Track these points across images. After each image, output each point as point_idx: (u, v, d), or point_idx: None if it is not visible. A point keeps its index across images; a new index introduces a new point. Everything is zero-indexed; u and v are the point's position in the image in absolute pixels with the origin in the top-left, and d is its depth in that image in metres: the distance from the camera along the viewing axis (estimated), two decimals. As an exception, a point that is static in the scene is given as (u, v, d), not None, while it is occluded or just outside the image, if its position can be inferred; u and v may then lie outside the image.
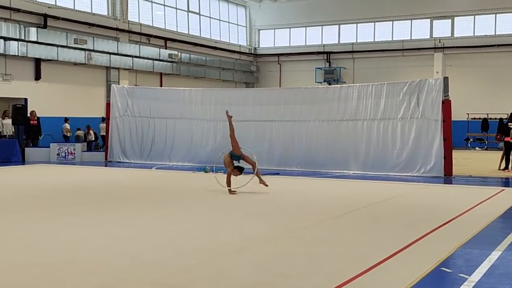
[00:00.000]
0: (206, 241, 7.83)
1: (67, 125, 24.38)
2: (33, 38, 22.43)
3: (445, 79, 17.25)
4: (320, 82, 34.21)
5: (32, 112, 22.58)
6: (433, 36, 33.29)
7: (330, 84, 31.86)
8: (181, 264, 6.56)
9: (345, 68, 35.10)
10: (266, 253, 7.16)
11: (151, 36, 28.96)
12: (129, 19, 27.73)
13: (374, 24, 34.84)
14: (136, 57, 27.58)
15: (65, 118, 24.27)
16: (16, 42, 21.87)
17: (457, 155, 18.31)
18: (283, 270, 6.35)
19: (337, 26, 35.83)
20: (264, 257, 6.97)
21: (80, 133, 24.74)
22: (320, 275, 6.12)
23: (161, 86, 28.95)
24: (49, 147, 22.13)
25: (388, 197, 12.50)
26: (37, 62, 23.42)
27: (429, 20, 33.54)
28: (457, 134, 20.40)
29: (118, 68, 26.99)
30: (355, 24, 35.31)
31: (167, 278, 5.99)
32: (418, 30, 33.73)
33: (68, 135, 24.43)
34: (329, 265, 6.57)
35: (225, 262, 6.72)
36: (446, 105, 16.92)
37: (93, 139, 24.81)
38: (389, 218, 9.83)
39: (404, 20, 34.02)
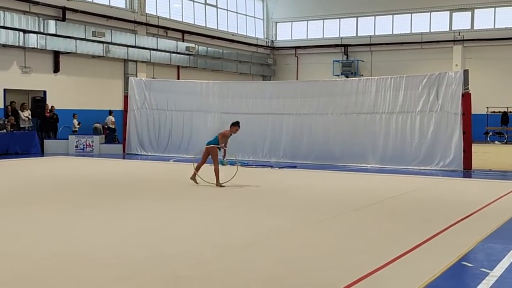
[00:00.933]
0: (223, 234, 7.82)
1: (112, 118, 24.62)
2: (52, 31, 22.55)
3: (465, 72, 17.03)
4: (338, 75, 34.01)
5: (46, 105, 22.76)
6: (453, 28, 32.90)
7: (347, 77, 31.64)
8: (198, 256, 6.54)
9: (362, 61, 34.86)
10: (283, 247, 7.13)
11: (168, 28, 28.99)
12: (146, 11, 27.76)
13: (393, 17, 34.52)
14: (153, 49, 27.62)
15: (110, 110, 24.40)
16: (35, 35, 22.01)
17: (476, 149, 18.10)
18: (300, 263, 6.32)
19: (355, 18, 35.56)
20: (281, 250, 6.93)
21: (98, 125, 24.85)
22: (339, 268, 6.08)
23: (178, 79, 28.98)
24: (67, 139, 22.29)
25: (407, 190, 12.39)
26: (56, 54, 23.55)
27: (448, 12, 33.15)
28: (476, 128, 20.18)
29: (135, 61, 27.06)
30: (373, 17, 35.02)
31: (184, 270, 5.98)
32: (437, 22, 33.36)
33: (113, 127, 24.66)
34: (347, 258, 6.51)
35: (242, 255, 6.70)
36: (466, 98, 16.72)
37: (113, 127, 24.89)
38: (407, 212, 9.74)
39: (423, 13, 33.66)
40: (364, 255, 6.65)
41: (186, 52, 29.53)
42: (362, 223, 8.71)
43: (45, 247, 6.88)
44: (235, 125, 12.92)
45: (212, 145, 12.71)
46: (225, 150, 12.96)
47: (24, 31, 21.69)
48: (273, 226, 8.36)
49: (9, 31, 21.10)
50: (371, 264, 6.10)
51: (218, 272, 5.94)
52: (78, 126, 24.10)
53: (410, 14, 34.03)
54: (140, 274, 5.80)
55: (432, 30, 33.39)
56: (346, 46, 35.26)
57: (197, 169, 12.83)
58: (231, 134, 12.96)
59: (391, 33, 34.52)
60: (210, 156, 12.77)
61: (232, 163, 17.97)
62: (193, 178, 12.79)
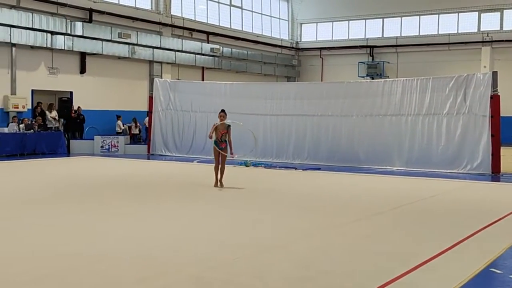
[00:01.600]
0: (248, 235, 7.78)
1: (119, 122, 24.81)
2: (79, 32, 22.77)
3: (494, 74, 16.73)
4: (363, 77, 33.73)
5: (72, 106, 23.01)
6: (481, 29, 32.37)
7: (373, 79, 31.36)
8: (223, 258, 6.51)
9: (388, 63, 34.52)
10: (309, 249, 7.06)
11: (193, 30, 29.07)
12: (172, 13, 27.88)
13: (419, 17, 34.12)
14: (178, 51, 27.71)
15: (117, 115, 24.54)
16: (62, 36, 22.24)
17: (505, 152, 17.76)
18: (326, 266, 6.25)
19: (381, 19, 35.23)
20: (307, 252, 6.87)
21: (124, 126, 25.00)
22: (364, 273, 5.98)
23: (202, 80, 29.04)
24: (93, 139, 22.50)
25: (434, 194, 12.21)
26: (82, 56, 23.77)
27: (477, 13, 32.63)
28: (505, 131, 19.79)
29: (161, 62, 27.18)
30: (400, 18, 34.65)
31: (209, 271, 5.96)
32: (465, 23, 32.86)
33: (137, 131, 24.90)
34: (373, 262, 6.41)
35: (267, 256, 6.65)
36: (495, 100, 16.43)
37: (138, 132, 25.02)
38: (434, 216, 9.58)
39: (451, 13, 33.19)
40: (390, 259, 6.55)
41: (211, 53, 29.58)
42: (388, 226, 8.60)
43: (70, 245, 6.90)
44: (220, 112, 12.61)
45: (214, 147, 12.61)
46: (226, 143, 12.56)
47: (52, 33, 21.93)
48: (298, 228, 8.30)
49: (37, 32, 21.36)
50: (398, 269, 6.00)
51: (243, 274, 5.90)
52: (123, 127, 24.26)
53: (437, 15, 33.60)
54: (164, 275, 5.78)
55: (460, 31, 32.90)
56: (371, 47, 34.96)
57: (217, 173, 12.58)
58: (217, 123, 12.50)
59: (417, 34, 34.12)
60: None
61: (256, 165, 17.98)
62: (216, 185, 12.59)
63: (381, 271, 5.96)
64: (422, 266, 6.18)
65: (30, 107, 21.79)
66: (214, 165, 12.65)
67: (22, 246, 6.91)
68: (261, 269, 6.10)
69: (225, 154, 12.39)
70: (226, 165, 12.79)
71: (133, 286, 5.42)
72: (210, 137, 12.52)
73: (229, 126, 12.52)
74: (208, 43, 29.79)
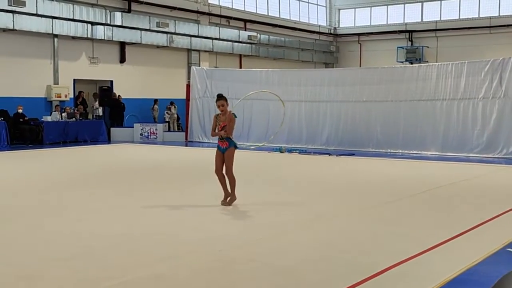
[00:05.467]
0: (272, 216, 8.04)
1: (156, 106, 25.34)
2: (118, 22, 23.33)
3: (531, 57, 16.49)
4: (402, 62, 33.40)
5: (114, 94, 23.66)
6: (524, 11, 31.60)
7: (412, 64, 31.05)
8: (246, 238, 6.80)
9: (428, 47, 34.06)
10: (330, 230, 7.29)
11: (230, 18, 29.32)
12: (209, 1, 28.18)
13: (460, 1, 33.49)
14: (216, 39, 28.04)
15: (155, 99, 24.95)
16: (102, 27, 22.84)
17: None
18: (345, 246, 6.47)
19: (420, 3, 34.74)
20: (328, 234, 7.10)
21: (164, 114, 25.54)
22: (382, 252, 6.18)
23: (240, 67, 29.31)
24: (133, 127, 23.10)
25: (465, 178, 12.22)
26: (122, 45, 24.36)
27: (519, -5, 31.85)
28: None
29: (198, 50, 27.58)
30: (439, 1, 34.09)
31: (231, 251, 6.25)
32: (507, 6, 32.09)
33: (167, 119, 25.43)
34: (392, 243, 6.60)
35: (289, 237, 6.91)
36: (531, 84, 16.20)
37: (175, 116, 25.46)
38: (463, 199, 9.67)
39: (493, -4, 32.49)
40: (409, 240, 6.72)
41: (248, 41, 29.80)
42: (414, 210, 8.73)
43: (105, 226, 7.32)
44: (218, 99, 8.91)
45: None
46: (228, 141, 8.80)
47: (92, 23, 22.55)
48: (322, 211, 8.52)
49: (78, 23, 22.00)
50: (414, 249, 6.17)
51: (264, 253, 6.17)
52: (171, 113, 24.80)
53: (478, -2, 32.94)
54: (189, 254, 6.11)
55: (501, 14, 32.17)
56: (410, 32, 34.53)
57: (224, 182, 8.99)
58: (218, 114, 8.95)
59: (457, 17, 33.51)
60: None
61: (291, 151, 18.21)
62: (225, 200, 8.99)
63: (398, 251, 6.14)
64: (439, 247, 6.33)
65: (72, 96, 22.51)
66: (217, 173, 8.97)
67: (60, 226, 7.36)
68: (283, 249, 6.36)
69: (231, 155, 8.80)
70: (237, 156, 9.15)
71: (158, 264, 5.76)
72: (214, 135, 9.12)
73: (233, 114, 8.91)
74: (245, 30, 30.02)
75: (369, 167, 14.59)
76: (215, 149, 8.93)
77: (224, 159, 8.78)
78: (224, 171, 8.83)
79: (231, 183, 8.84)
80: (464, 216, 8.15)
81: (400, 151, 17.88)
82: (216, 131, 8.81)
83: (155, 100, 24.98)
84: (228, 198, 8.83)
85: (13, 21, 19.84)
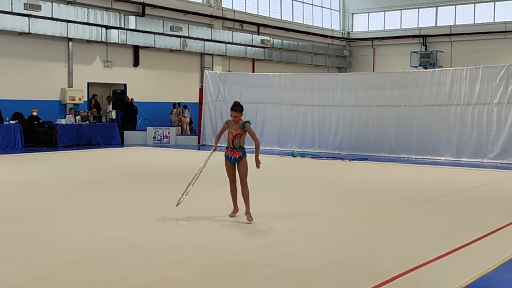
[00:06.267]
0: (285, 222, 8.00)
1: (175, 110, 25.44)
2: (132, 26, 23.45)
3: (547, 62, 16.33)
4: (416, 66, 33.23)
5: (127, 98, 23.77)
6: (539, 16, 31.33)
7: (425, 68, 30.88)
8: (258, 243, 6.78)
9: (442, 52, 33.86)
10: (343, 235, 7.24)
11: (244, 22, 29.37)
12: (223, 6, 28.26)
13: (474, 6, 33.29)
14: (229, 43, 28.08)
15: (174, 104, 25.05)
16: (116, 30, 22.96)
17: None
18: (358, 251, 6.42)
19: (434, 8, 34.58)
20: (340, 239, 7.05)
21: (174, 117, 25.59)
22: (395, 258, 6.13)
23: (253, 71, 29.32)
24: (146, 130, 23.18)
25: (479, 184, 12.12)
26: (136, 49, 24.48)
27: (535, -1, 31.61)
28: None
29: (211, 54, 27.63)
30: (454, 6, 33.92)
31: (243, 255, 6.23)
32: (522, 10, 31.86)
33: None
34: (405, 249, 6.55)
35: (301, 242, 6.87)
36: (547, 89, 16.05)
37: (187, 120, 25.51)
38: (476, 205, 9.57)
39: (508, 0, 32.24)
40: (422, 246, 6.65)
41: (261, 45, 29.82)
42: (426, 215, 8.65)
43: (118, 230, 7.33)
44: (233, 107, 8.26)
45: (224, 160, 8.33)
46: (242, 151, 8.14)
47: (106, 27, 22.67)
48: (335, 216, 8.48)
49: (93, 27, 22.13)
50: (428, 255, 6.11)
51: (275, 258, 6.14)
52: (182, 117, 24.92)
53: (493, 2, 32.69)
54: (201, 258, 6.09)
55: (517, 19, 31.94)
56: (424, 36, 34.37)
57: (236, 196, 8.37)
58: (230, 121, 8.25)
59: (472, 22, 33.30)
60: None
61: (303, 155, 18.17)
62: (233, 213, 8.34)
63: (410, 257, 6.09)
64: (452, 253, 6.26)
65: (86, 99, 22.64)
66: (229, 187, 8.35)
67: (73, 228, 7.39)
68: (295, 253, 6.33)
69: (245, 166, 8.08)
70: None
71: (172, 267, 5.75)
72: (216, 149, 8.45)
73: (246, 122, 8.21)
74: (258, 34, 30.04)
75: (382, 172, 14.51)
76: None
77: (234, 170, 8.08)
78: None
79: (247, 197, 7.97)
80: (478, 223, 8.06)
81: (414, 156, 17.77)
82: (229, 139, 8.06)
83: (174, 105, 25.08)
84: (246, 215, 7.92)
85: (28, 25, 20.00)
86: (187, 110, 25.24)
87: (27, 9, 19.74)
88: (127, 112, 23.62)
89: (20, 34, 20.29)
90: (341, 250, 6.48)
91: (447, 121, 17.58)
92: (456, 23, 33.68)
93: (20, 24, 19.83)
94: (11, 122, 19.24)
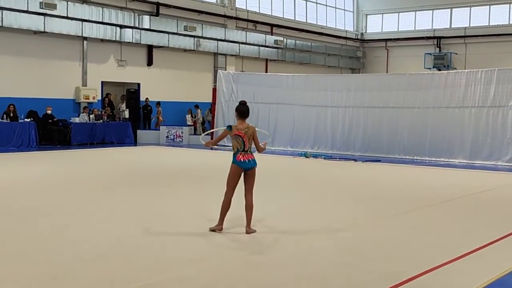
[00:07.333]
0: (298, 222, 8.00)
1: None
2: (146, 26, 23.55)
3: None
4: (429, 68, 33.07)
5: (147, 101, 23.93)
6: (555, 18, 31.07)
7: (439, 70, 30.72)
8: (271, 243, 6.79)
9: (456, 54, 33.68)
10: (356, 237, 7.23)
11: (257, 22, 29.38)
12: (236, 6, 28.30)
13: (489, 7, 33.07)
14: (242, 43, 28.11)
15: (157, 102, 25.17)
16: (130, 30, 23.08)
17: None
18: (371, 253, 6.41)
19: (449, 9, 34.40)
20: (354, 240, 7.04)
21: (188, 117, 25.65)
22: (408, 260, 6.11)
23: (266, 72, 29.33)
24: (159, 130, 23.26)
25: (493, 187, 12.04)
26: (150, 48, 24.58)
27: (551, 1, 31.35)
28: None
29: (225, 54, 27.68)
30: (469, 8, 33.71)
31: (257, 254, 6.24)
32: (538, 12, 31.59)
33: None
34: (419, 251, 6.52)
35: (315, 243, 6.86)
36: (563, 92, 15.90)
37: (200, 120, 25.59)
38: (490, 208, 9.51)
39: (523, 2, 32.02)
40: (436, 248, 6.63)
41: (275, 45, 29.82)
42: (439, 218, 8.61)
43: (132, 228, 7.37)
44: (239, 108, 7.62)
45: (233, 166, 7.28)
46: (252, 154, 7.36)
47: (121, 26, 22.78)
48: (348, 217, 8.46)
49: (107, 26, 22.25)
50: (442, 258, 6.09)
51: (289, 258, 6.15)
52: (194, 118, 24.95)
53: (508, 5, 32.44)
54: (215, 256, 6.12)
55: (532, 21, 31.70)
56: (439, 38, 34.19)
57: (227, 210, 7.35)
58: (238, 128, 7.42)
59: (487, 24, 33.09)
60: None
61: (316, 156, 18.14)
62: (218, 227, 7.30)
63: (424, 259, 6.06)
64: (466, 256, 6.23)
65: (100, 98, 22.76)
66: (223, 198, 7.32)
67: (87, 227, 7.44)
68: (308, 254, 6.33)
69: (254, 175, 7.29)
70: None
71: (186, 266, 5.78)
72: (213, 144, 7.97)
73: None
74: (272, 35, 30.04)
75: (396, 174, 14.46)
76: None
77: (239, 180, 7.20)
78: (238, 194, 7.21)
79: (251, 211, 7.19)
80: (492, 225, 8.01)
81: (427, 158, 17.69)
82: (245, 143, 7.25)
83: (196, 106, 25.19)
84: (247, 229, 7.16)
85: (44, 23, 20.15)
86: (199, 110, 25.31)
87: (42, 8, 19.90)
88: (137, 111, 23.76)
89: (36, 33, 20.45)
90: (354, 251, 6.47)
91: (461, 123, 17.48)
92: (471, 25, 33.47)
93: (35, 23, 19.99)
94: (26, 120, 19.40)
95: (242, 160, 7.13)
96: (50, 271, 5.51)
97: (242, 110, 7.39)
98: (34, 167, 14.13)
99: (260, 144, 7.48)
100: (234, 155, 7.21)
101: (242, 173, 7.18)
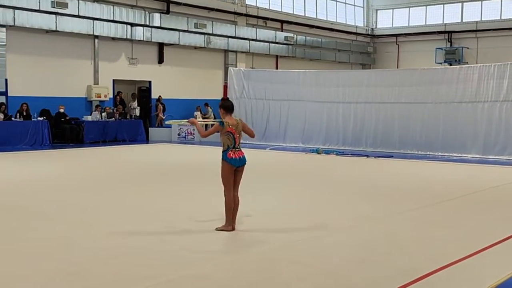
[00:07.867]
0: (314, 219, 8.01)
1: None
2: (157, 24, 23.60)
3: None
4: (441, 63, 32.90)
5: (160, 99, 24.01)
6: None
7: (451, 65, 30.54)
8: (286, 239, 6.79)
9: (467, 48, 33.47)
10: (372, 232, 7.22)
11: (267, 19, 29.34)
12: (246, 2, 28.26)
13: (501, 1, 32.83)
14: (253, 40, 28.09)
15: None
16: (141, 28, 23.13)
17: None
18: (388, 249, 6.41)
19: (460, 4, 34.17)
20: (369, 235, 7.04)
21: (197, 114, 25.68)
22: (425, 255, 6.10)
23: (276, 68, 29.30)
24: (170, 127, 23.32)
25: (507, 181, 11.96)
26: (160, 46, 24.63)
27: None
28: None
29: (235, 51, 27.68)
30: (480, 1, 33.48)
31: (271, 252, 6.24)
32: (551, 5, 31.32)
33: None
34: (435, 247, 6.51)
35: (331, 238, 6.87)
36: None
37: (212, 118, 25.58)
38: (505, 203, 9.47)
39: (535, -4, 31.74)
40: (452, 244, 6.62)
41: (285, 41, 29.78)
42: (455, 213, 8.58)
43: (147, 225, 7.41)
44: (223, 103, 7.50)
45: (225, 165, 7.28)
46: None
47: (132, 24, 22.85)
48: (364, 213, 8.46)
49: (118, 24, 22.33)
50: (457, 253, 6.07)
51: (303, 255, 6.15)
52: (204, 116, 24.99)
53: (520, -2, 32.22)
54: (228, 254, 6.14)
55: (544, 14, 31.43)
56: (450, 32, 33.98)
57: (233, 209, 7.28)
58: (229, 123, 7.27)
59: (499, 18, 32.83)
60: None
61: (328, 152, 18.11)
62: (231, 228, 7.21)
63: (440, 255, 6.05)
64: (484, 251, 6.21)
65: (111, 96, 22.85)
66: (226, 198, 7.24)
67: (101, 224, 7.49)
68: (324, 250, 6.34)
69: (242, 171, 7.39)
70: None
71: (201, 263, 5.80)
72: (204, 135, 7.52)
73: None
74: (282, 31, 30.00)
75: (408, 170, 14.41)
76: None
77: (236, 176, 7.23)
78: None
79: (238, 207, 7.27)
80: (509, 220, 7.97)
81: (440, 153, 17.61)
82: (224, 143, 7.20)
83: (206, 104, 25.22)
84: (223, 225, 7.16)
85: (55, 22, 20.25)
86: (209, 109, 25.34)
87: (54, 7, 20.00)
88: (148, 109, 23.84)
89: (47, 31, 20.55)
90: (370, 247, 6.47)
91: (474, 118, 17.38)
92: (482, 19, 33.25)
93: (47, 21, 20.09)
94: (38, 118, 19.52)
95: (233, 157, 7.16)
96: (68, 269, 5.55)
97: (228, 106, 7.38)
98: (49, 165, 14.22)
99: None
100: (225, 152, 7.19)
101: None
